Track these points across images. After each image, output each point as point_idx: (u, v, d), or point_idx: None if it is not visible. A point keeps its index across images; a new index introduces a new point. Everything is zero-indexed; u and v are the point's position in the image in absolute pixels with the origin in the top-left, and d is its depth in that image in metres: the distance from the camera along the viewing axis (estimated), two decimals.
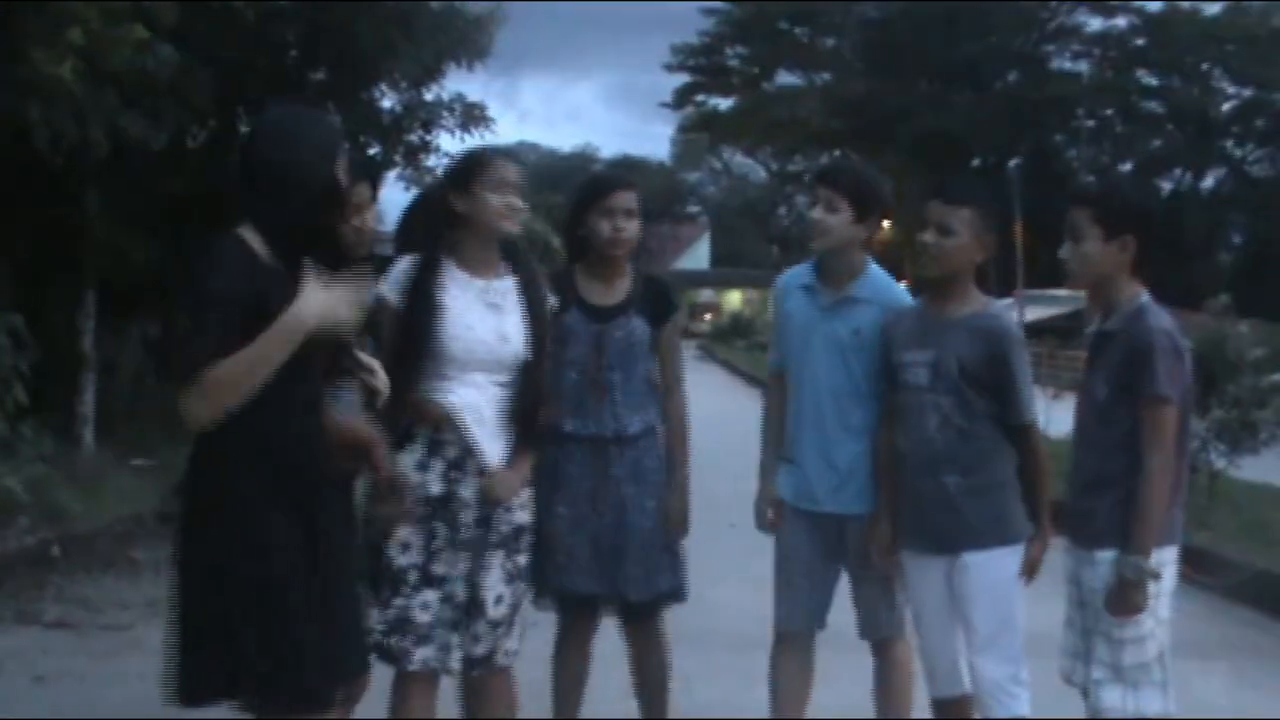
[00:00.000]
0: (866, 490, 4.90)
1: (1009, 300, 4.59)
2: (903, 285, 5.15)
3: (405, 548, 4.39)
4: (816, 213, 4.97)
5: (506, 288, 4.64)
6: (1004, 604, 4.58)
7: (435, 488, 4.42)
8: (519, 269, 4.68)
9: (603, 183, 5.20)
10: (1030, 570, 4.61)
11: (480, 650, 4.52)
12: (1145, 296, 4.34)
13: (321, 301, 3.52)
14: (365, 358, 4.25)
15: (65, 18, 8.53)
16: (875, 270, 5.03)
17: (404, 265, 4.55)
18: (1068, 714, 4.69)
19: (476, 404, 4.49)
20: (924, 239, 4.66)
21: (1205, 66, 51.95)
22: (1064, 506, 4.50)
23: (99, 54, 8.73)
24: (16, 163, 10.54)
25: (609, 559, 4.95)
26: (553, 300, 4.79)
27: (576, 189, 5.31)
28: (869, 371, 4.90)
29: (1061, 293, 38.60)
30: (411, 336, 4.43)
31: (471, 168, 4.61)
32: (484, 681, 4.63)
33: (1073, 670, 4.45)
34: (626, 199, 5.00)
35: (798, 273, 5.20)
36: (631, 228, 5.00)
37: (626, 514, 4.97)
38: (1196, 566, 9.60)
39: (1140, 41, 51.98)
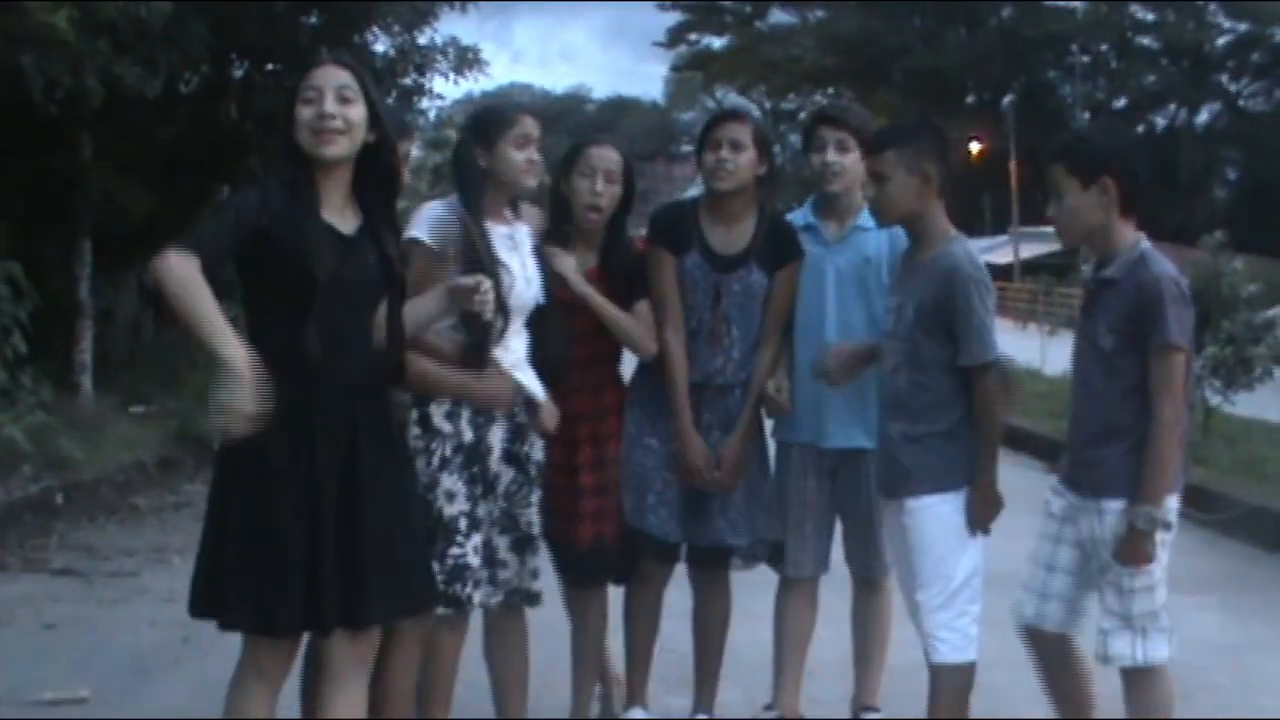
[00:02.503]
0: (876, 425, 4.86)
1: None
2: None
3: (451, 497, 4.38)
4: (830, 155, 4.95)
5: (522, 232, 4.65)
6: (940, 550, 4.48)
7: (467, 435, 4.41)
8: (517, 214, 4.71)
9: (710, 119, 5.17)
10: (979, 523, 4.49)
11: (535, 585, 4.60)
12: (1145, 242, 4.30)
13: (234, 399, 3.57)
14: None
15: None
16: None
17: (438, 212, 4.51)
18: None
19: (518, 348, 4.53)
20: (866, 195, 4.68)
21: (1200, 1, 51.71)
22: (1067, 456, 4.46)
23: (93, 2, 8.69)
24: (11, 112, 10.52)
25: (692, 504, 4.91)
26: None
27: (705, 121, 5.19)
28: (882, 299, 4.88)
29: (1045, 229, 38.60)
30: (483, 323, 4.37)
31: (496, 124, 4.58)
32: (515, 617, 4.68)
33: (1039, 612, 4.40)
34: (735, 130, 4.92)
35: (794, 216, 5.18)
36: (738, 159, 4.86)
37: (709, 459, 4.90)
38: (1192, 502, 9.71)
39: None
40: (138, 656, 6.20)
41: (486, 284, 4.08)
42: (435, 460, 4.38)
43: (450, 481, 4.39)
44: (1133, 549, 4.18)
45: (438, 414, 4.40)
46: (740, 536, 4.98)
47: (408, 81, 14.13)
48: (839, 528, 5.19)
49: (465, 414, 4.42)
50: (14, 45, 8.83)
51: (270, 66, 13.83)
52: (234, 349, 3.56)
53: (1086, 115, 50.83)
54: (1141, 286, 4.18)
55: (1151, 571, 4.23)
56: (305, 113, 3.82)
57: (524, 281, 4.56)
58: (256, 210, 3.73)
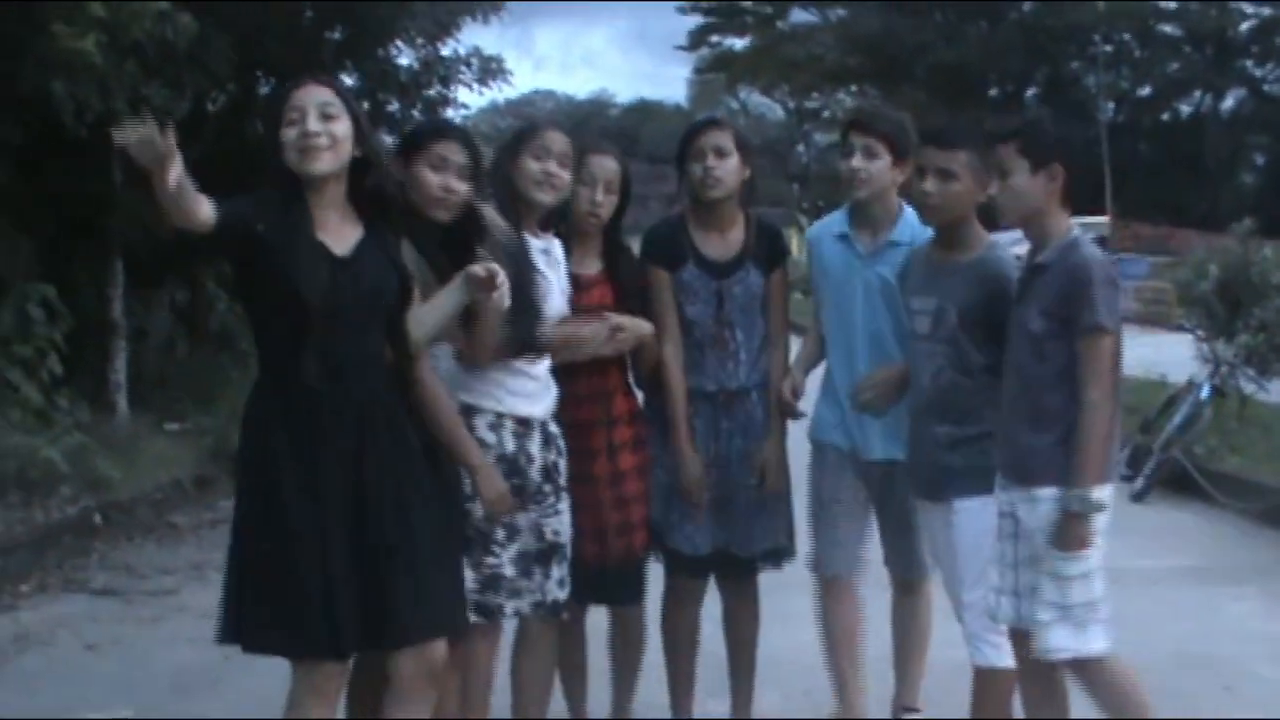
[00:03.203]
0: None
1: (1018, 233, 4.54)
2: None
3: None
4: (856, 161, 4.88)
5: (556, 248, 4.71)
6: (988, 552, 4.46)
7: (509, 446, 4.43)
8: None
9: (689, 130, 5.14)
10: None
11: (563, 594, 4.62)
12: (1077, 230, 4.31)
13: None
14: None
15: None
16: (909, 212, 4.96)
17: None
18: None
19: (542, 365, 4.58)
20: (924, 187, 4.59)
21: None
22: (1001, 446, 4.41)
23: (120, 25, 8.77)
24: (42, 135, 10.60)
25: (718, 514, 4.95)
26: None
27: (682, 134, 5.16)
28: None
29: (1083, 220, 38.48)
30: (527, 307, 4.43)
31: (521, 135, 4.65)
32: (546, 628, 4.70)
33: (997, 607, 4.38)
34: (718, 137, 4.93)
35: (829, 223, 5.18)
36: (724, 166, 4.90)
37: (732, 467, 4.97)
38: (1228, 491, 9.68)
39: None
40: (178, 675, 6.23)
41: (502, 274, 4.06)
42: None
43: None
44: (1067, 534, 4.16)
45: (481, 425, 4.40)
46: (760, 543, 5.02)
47: (432, 93, 14.18)
48: (874, 530, 5.18)
49: (509, 425, 4.44)
50: (44, 70, 8.90)
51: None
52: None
53: (1111, 105, 50.65)
54: (1072, 269, 4.18)
55: (1088, 558, 4.20)
56: (290, 133, 3.85)
57: (558, 294, 4.62)
58: (254, 214, 3.78)
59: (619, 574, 4.88)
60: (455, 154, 4.31)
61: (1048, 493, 4.19)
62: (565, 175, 4.63)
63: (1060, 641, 4.23)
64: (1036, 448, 4.24)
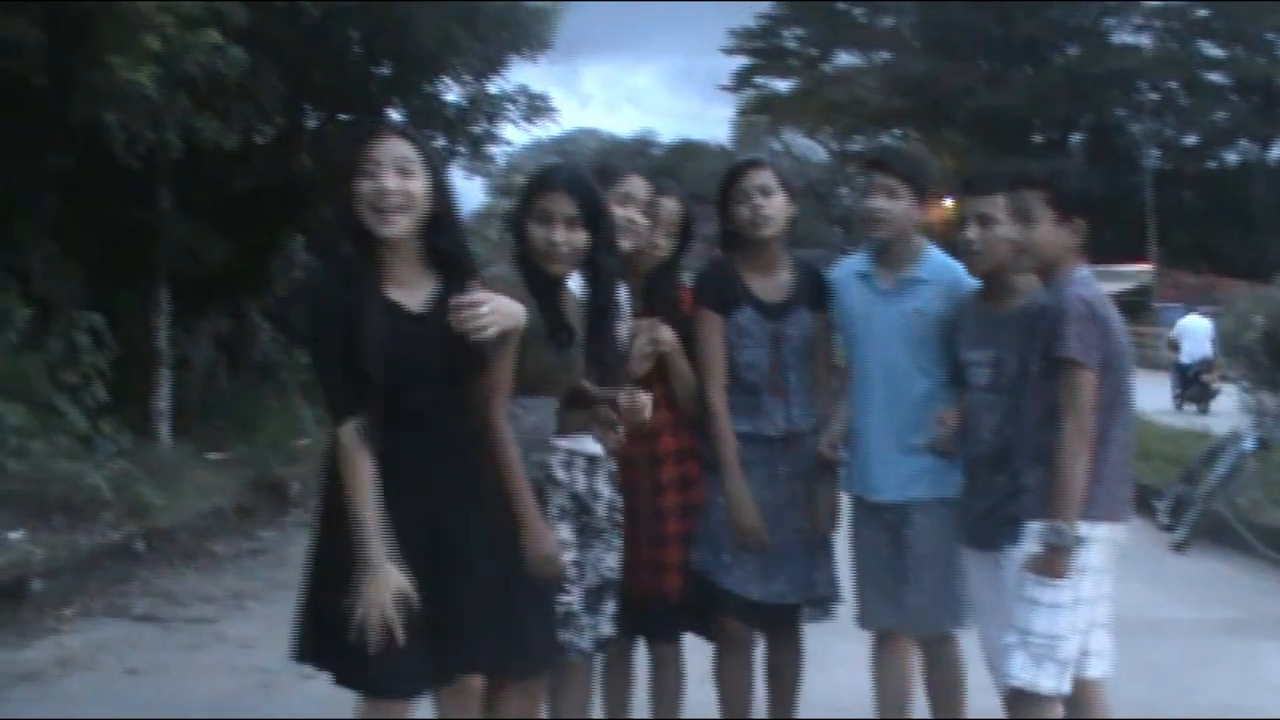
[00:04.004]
0: (931, 475, 4.81)
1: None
2: None
3: (564, 547, 4.33)
4: (877, 201, 4.84)
5: (620, 294, 4.63)
6: None
7: (580, 483, 4.43)
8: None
9: (730, 171, 5.10)
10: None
11: (612, 630, 4.60)
12: (1082, 272, 4.33)
13: (371, 593, 3.64)
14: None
15: (141, 24, 8.67)
16: (934, 251, 4.95)
17: None
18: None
19: None
20: (967, 235, 4.58)
21: (1269, 35, 51.27)
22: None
23: (174, 58, 8.88)
24: (91, 165, 10.73)
25: (770, 561, 4.87)
26: None
27: (723, 177, 5.09)
28: (934, 355, 4.84)
29: (1125, 268, 38.31)
30: (602, 346, 4.44)
31: (601, 180, 4.52)
32: (585, 668, 4.68)
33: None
34: (761, 177, 4.91)
35: (850, 263, 5.10)
36: (772, 204, 4.87)
37: (786, 511, 4.90)
38: (1270, 543, 9.60)
39: (1203, 12, 51.41)
40: (217, 702, 6.26)
41: (487, 304, 3.79)
42: (554, 511, 4.36)
43: (565, 531, 4.39)
44: (1043, 563, 4.18)
45: (555, 463, 4.38)
46: (808, 590, 4.96)
47: (478, 130, 14.27)
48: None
49: (580, 462, 4.45)
50: (97, 101, 9.01)
51: (342, 116, 14.02)
52: (376, 556, 3.65)
53: (1156, 153, 50.51)
54: (1053, 305, 4.24)
55: (1059, 589, 4.19)
56: (365, 186, 3.70)
57: (627, 336, 4.63)
58: (338, 312, 3.71)
59: (649, 611, 4.85)
60: (561, 205, 4.20)
61: (1034, 527, 4.23)
62: (645, 222, 4.63)
63: (1014, 668, 4.26)
64: (1029, 486, 4.30)
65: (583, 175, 4.37)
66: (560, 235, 4.19)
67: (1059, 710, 4.31)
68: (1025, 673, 4.23)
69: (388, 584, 3.63)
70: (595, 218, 4.25)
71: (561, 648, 4.39)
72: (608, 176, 4.63)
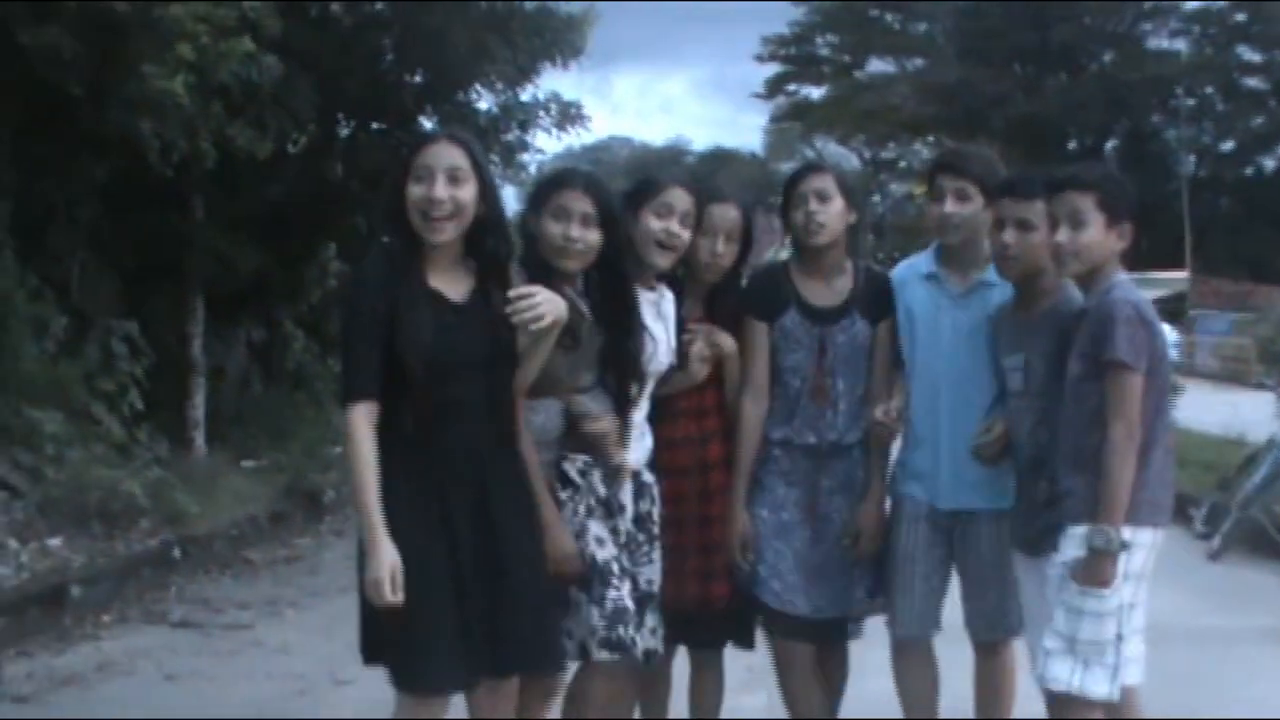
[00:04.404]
0: (994, 483, 4.74)
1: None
2: None
3: (601, 542, 4.35)
4: (949, 205, 4.73)
5: (667, 301, 4.63)
6: None
7: (600, 491, 4.41)
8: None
9: (792, 175, 5.05)
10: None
11: (655, 644, 4.56)
12: (1121, 276, 4.31)
13: (375, 571, 3.69)
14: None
15: (176, 32, 8.72)
16: None
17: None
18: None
19: (639, 413, 4.54)
20: (1004, 239, 4.51)
21: None
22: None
23: (208, 67, 8.93)
24: (127, 175, 10.81)
25: (815, 575, 4.81)
26: None
27: (784, 185, 5.03)
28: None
29: (1161, 275, 38.13)
30: (624, 358, 4.43)
31: (644, 190, 4.56)
32: (632, 678, 4.63)
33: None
34: (819, 181, 4.82)
35: (915, 264, 5.00)
36: (828, 210, 4.77)
37: (832, 526, 4.83)
38: None
39: (1240, 17, 51.10)
40: (255, 708, 6.28)
41: (541, 294, 3.94)
42: (581, 509, 4.37)
43: (598, 528, 4.39)
44: (1089, 569, 4.13)
45: (572, 469, 4.39)
46: (854, 606, 4.89)
47: (510, 138, 14.29)
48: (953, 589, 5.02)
49: (597, 472, 4.42)
50: (132, 110, 9.07)
51: (375, 125, 14.05)
52: (372, 531, 3.69)
53: (1192, 160, 50.28)
54: (1099, 308, 4.21)
55: (1105, 597, 4.15)
56: (415, 191, 3.83)
57: (665, 349, 4.56)
58: (379, 298, 3.78)
59: (694, 618, 4.79)
60: (576, 202, 4.25)
61: (1078, 530, 4.19)
62: (686, 235, 4.56)
63: (1059, 672, 4.21)
64: (1074, 489, 4.25)
65: (599, 177, 4.45)
66: (576, 231, 4.24)
67: (1101, 714, 4.27)
68: (1074, 678, 4.19)
69: (385, 562, 3.67)
70: (609, 220, 4.30)
71: (625, 645, 4.34)
72: (647, 187, 4.60)
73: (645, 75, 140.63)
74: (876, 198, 69.27)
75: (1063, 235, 4.30)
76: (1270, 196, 49.32)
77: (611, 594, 4.33)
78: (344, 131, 14.12)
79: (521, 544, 3.94)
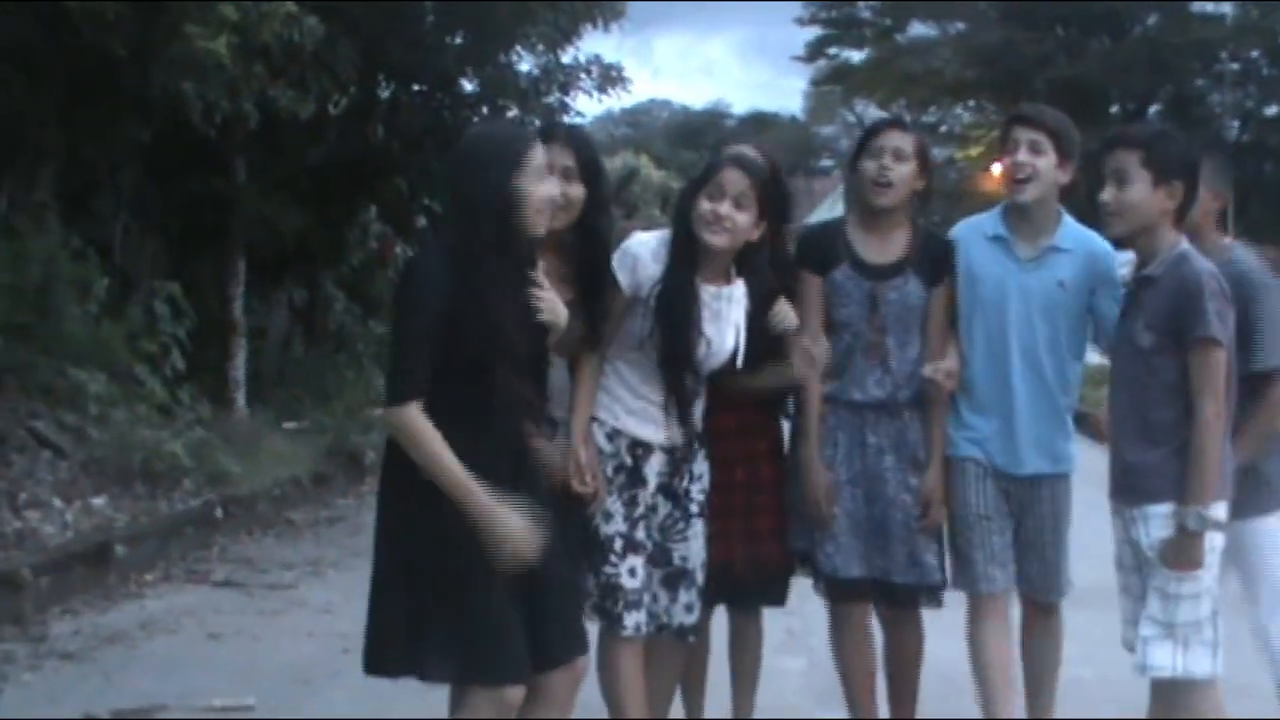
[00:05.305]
0: (1060, 449, 4.73)
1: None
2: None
3: (609, 516, 4.35)
4: (1022, 155, 4.61)
5: (738, 292, 4.49)
6: None
7: (625, 459, 4.40)
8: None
9: (872, 126, 5.01)
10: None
11: (690, 619, 4.54)
12: (1185, 243, 4.19)
13: (509, 530, 3.68)
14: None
15: None
16: (1068, 217, 4.76)
17: (640, 250, 4.44)
18: None
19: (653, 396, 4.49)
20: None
21: None
22: (1112, 464, 4.32)
23: (250, 27, 8.92)
24: (169, 137, 10.83)
25: (869, 536, 4.73)
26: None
27: (860, 135, 4.93)
28: (1073, 326, 4.70)
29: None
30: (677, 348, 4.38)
31: (704, 173, 4.45)
32: (676, 646, 4.65)
33: (1130, 638, 4.27)
34: (898, 139, 4.73)
35: (978, 224, 4.88)
36: (900, 170, 4.67)
37: (886, 487, 4.73)
38: None
39: None
40: (299, 666, 6.32)
41: (546, 296, 3.95)
42: (603, 480, 4.37)
43: (609, 501, 4.38)
44: (1181, 552, 4.06)
45: (599, 434, 4.39)
46: (919, 574, 4.76)
47: (551, 100, 14.25)
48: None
49: (624, 441, 4.41)
50: (175, 72, 9.08)
51: (416, 87, 14.04)
52: (481, 500, 3.66)
53: (1236, 124, 49.82)
54: (1182, 282, 4.09)
55: (1200, 578, 4.08)
56: (540, 190, 3.80)
57: (719, 346, 4.43)
58: (442, 296, 3.70)
59: (741, 580, 4.76)
60: (559, 156, 4.20)
61: (1161, 509, 4.10)
62: (741, 218, 4.34)
63: (1161, 659, 4.13)
64: (1148, 464, 4.16)
65: (583, 131, 4.42)
66: (558, 188, 4.16)
67: (1219, 693, 4.20)
68: (1176, 660, 4.11)
69: (513, 520, 3.68)
70: (593, 175, 4.27)
71: (612, 618, 4.36)
72: (706, 169, 4.48)
73: (686, 38, 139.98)
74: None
75: (1107, 193, 4.22)
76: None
77: (608, 569, 4.35)
78: (385, 93, 14.11)
79: (558, 532, 3.91)
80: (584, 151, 4.29)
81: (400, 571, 3.79)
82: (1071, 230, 4.74)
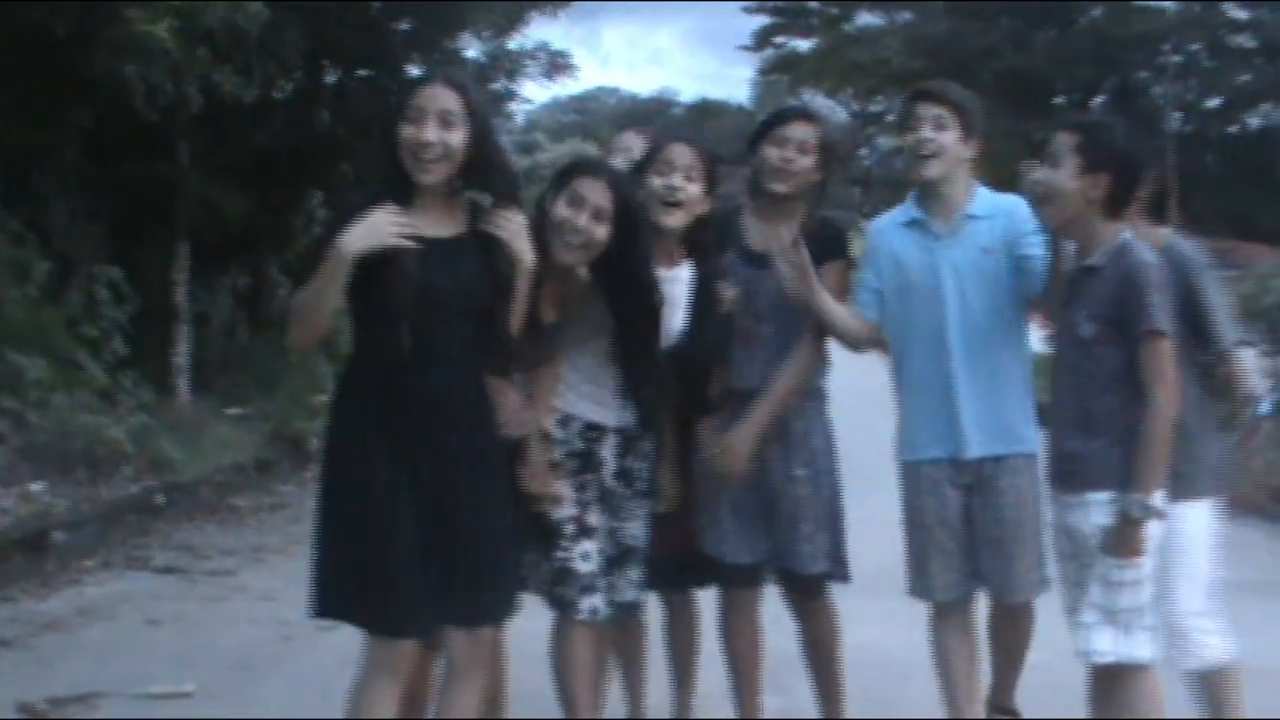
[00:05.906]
0: (1015, 428, 4.60)
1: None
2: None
3: (555, 501, 4.32)
4: (926, 131, 4.56)
5: (681, 280, 4.53)
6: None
7: (577, 444, 4.38)
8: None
9: (779, 113, 4.90)
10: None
11: (633, 596, 4.54)
12: (1127, 233, 4.18)
13: (358, 231, 3.70)
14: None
15: None
16: (981, 188, 4.69)
17: None
18: None
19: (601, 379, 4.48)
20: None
21: None
22: (1049, 452, 4.31)
23: (193, 11, 8.86)
24: (111, 120, 10.74)
25: (754, 523, 4.70)
26: None
27: (760, 123, 4.89)
28: (1006, 295, 4.60)
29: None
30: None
31: (648, 154, 4.48)
32: (634, 628, 4.71)
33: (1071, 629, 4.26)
34: (804, 132, 4.68)
35: (893, 214, 4.84)
36: (802, 162, 4.65)
37: (769, 476, 4.68)
38: None
39: None
40: (240, 653, 6.29)
41: (518, 223, 3.95)
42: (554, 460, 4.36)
43: (559, 486, 4.36)
44: (1122, 540, 4.06)
45: (550, 421, 4.36)
46: (811, 562, 4.72)
47: (498, 86, 14.23)
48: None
49: (577, 425, 4.40)
50: (117, 54, 9.01)
51: (362, 72, 13.99)
52: (333, 250, 3.72)
53: (1178, 116, 50.23)
54: (1126, 273, 4.09)
55: (1140, 565, 4.09)
56: (407, 133, 3.81)
57: (668, 327, 4.46)
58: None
59: (675, 562, 4.76)
60: (595, 194, 4.20)
61: (1101, 496, 4.10)
62: (692, 189, 4.43)
63: (1101, 644, 4.14)
64: (1089, 452, 4.15)
65: (627, 177, 4.40)
66: (584, 221, 4.16)
67: (1155, 679, 4.23)
68: (1118, 646, 4.12)
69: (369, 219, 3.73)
70: (627, 220, 4.22)
71: (566, 604, 4.36)
72: (650, 150, 4.53)
73: (634, 27, 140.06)
74: (864, 151, 69.21)
75: (1037, 171, 4.22)
76: (1255, 154, 49.32)
77: (559, 554, 4.34)
78: (331, 78, 14.07)
79: (482, 491, 3.92)
80: (621, 194, 4.23)
81: (320, 517, 3.87)
82: (985, 197, 4.68)
